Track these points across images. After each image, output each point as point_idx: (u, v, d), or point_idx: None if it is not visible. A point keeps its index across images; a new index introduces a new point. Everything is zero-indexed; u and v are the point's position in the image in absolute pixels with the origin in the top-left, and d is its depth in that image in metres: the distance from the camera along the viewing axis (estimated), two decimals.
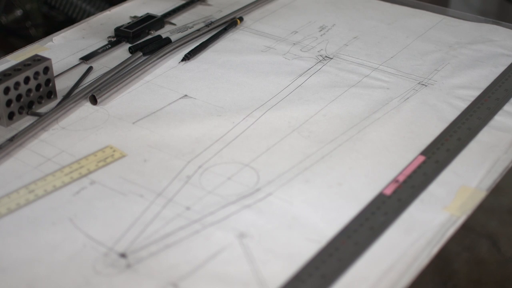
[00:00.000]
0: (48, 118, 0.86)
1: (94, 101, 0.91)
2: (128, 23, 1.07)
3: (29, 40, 1.24)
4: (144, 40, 1.05)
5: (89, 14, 1.56)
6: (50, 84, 0.90)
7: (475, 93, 0.94)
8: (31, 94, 0.88)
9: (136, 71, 0.97)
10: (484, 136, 0.85)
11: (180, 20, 1.13)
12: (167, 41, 1.05)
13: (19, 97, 0.87)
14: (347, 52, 1.04)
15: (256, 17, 1.12)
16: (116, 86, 0.93)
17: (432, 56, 1.02)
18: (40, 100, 0.90)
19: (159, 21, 1.10)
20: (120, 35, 1.05)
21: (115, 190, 0.76)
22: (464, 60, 1.02)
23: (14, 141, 0.82)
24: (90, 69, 0.98)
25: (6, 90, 0.85)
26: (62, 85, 0.94)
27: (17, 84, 0.86)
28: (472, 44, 1.06)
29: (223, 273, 0.66)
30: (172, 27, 1.11)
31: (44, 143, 0.83)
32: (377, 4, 1.18)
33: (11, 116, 0.86)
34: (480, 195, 0.76)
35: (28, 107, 0.88)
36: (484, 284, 1.50)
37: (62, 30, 1.09)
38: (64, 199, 0.75)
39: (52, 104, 0.91)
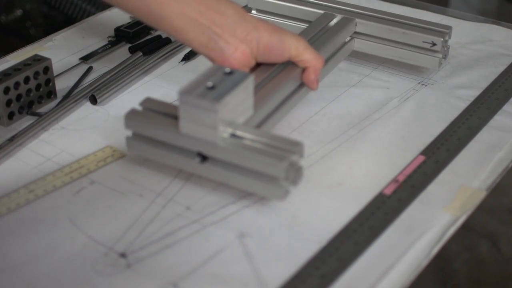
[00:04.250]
0: (48, 118, 0.86)
1: (94, 101, 0.91)
2: (128, 23, 1.07)
3: (29, 40, 1.24)
4: (144, 40, 1.05)
5: (89, 14, 1.56)
6: (50, 84, 0.90)
7: (475, 93, 0.94)
8: (31, 94, 0.88)
9: (136, 71, 0.97)
10: (484, 136, 0.85)
11: None
12: (167, 41, 1.04)
13: (19, 97, 0.87)
14: None
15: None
16: (116, 86, 0.93)
17: None
18: (40, 100, 0.90)
19: None
20: (120, 35, 1.05)
21: (115, 190, 0.76)
22: (464, 60, 1.02)
23: (14, 141, 0.82)
24: (90, 69, 0.98)
25: (6, 90, 0.85)
26: (62, 85, 0.94)
27: (17, 84, 0.86)
28: (472, 44, 1.06)
29: (223, 273, 0.66)
30: None
31: (44, 143, 0.83)
32: (377, 4, 1.18)
33: (11, 116, 0.86)
34: (480, 195, 0.76)
35: (28, 107, 0.88)
36: (484, 284, 1.50)
37: (62, 30, 1.09)
38: (64, 199, 0.75)
39: (52, 104, 0.91)
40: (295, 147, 0.69)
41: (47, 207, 0.73)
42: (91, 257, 0.67)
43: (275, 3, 1.00)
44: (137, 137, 0.75)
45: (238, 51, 0.77)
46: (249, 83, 0.72)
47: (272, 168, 0.68)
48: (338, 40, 0.92)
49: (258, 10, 1.03)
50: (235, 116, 0.71)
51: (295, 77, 0.82)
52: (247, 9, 1.03)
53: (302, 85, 0.85)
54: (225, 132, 0.70)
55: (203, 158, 0.72)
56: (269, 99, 0.78)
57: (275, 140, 0.70)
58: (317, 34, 0.91)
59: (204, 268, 0.66)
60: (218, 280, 0.65)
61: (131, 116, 0.74)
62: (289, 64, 0.83)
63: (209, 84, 0.70)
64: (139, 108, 0.75)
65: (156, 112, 0.74)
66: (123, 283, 0.65)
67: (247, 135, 0.70)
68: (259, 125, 0.77)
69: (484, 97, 0.93)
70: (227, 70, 0.72)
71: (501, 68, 0.99)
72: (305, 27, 0.96)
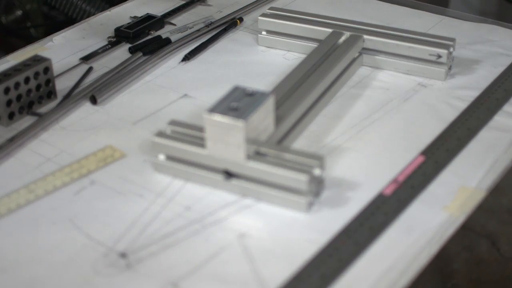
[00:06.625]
0: (48, 118, 0.86)
1: (94, 101, 0.91)
2: (128, 23, 1.08)
3: (29, 40, 1.24)
4: (144, 40, 1.05)
5: (89, 14, 1.56)
6: (50, 84, 0.90)
7: (475, 93, 0.94)
8: (31, 94, 0.88)
9: (136, 71, 0.97)
10: (484, 136, 0.85)
11: (180, 20, 1.13)
12: (167, 41, 1.05)
13: (19, 97, 0.87)
14: None
15: (256, 17, 1.12)
16: (116, 86, 0.93)
17: None
18: (40, 100, 0.90)
19: (159, 21, 1.10)
20: (120, 35, 1.05)
21: (115, 190, 0.76)
22: (464, 61, 1.02)
23: (14, 141, 0.82)
24: (90, 69, 0.98)
25: (6, 90, 0.85)
26: (62, 85, 0.94)
27: (17, 84, 0.86)
28: (472, 44, 1.06)
29: (223, 273, 0.66)
30: (172, 27, 1.11)
31: (44, 143, 0.83)
32: (376, 4, 1.18)
33: (11, 116, 0.86)
34: (480, 195, 0.76)
35: (28, 107, 0.88)
36: (484, 283, 1.50)
37: (62, 30, 1.09)
38: (64, 199, 0.75)
39: (52, 104, 0.91)
40: (316, 160, 0.72)
41: (47, 207, 0.74)
42: (91, 257, 0.67)
43: (284, 23, 1.02)
44: (165, 159, 0.77)
45: None
46: (270, 103, 0.75)
47: (296, 182, 0.71)
48: (347, 58, 0.95)
49: (268, 31, 1.04)
50: (258, 134, 0.74)
51: (314, 92, 0.85)
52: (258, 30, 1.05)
53: (320, 98, 0.88)
54: (249, 150, 0.73)
55: (229, 175, 0.74)
56: (289, 116, 0.81)
57: (296, 154, 0.73)
58: (327, 53, 0.94)
59: (204, 268, 0.66)
60: (218, 280, 0.65)
61: (159, 139, 0.76)
62: (308, 78, 0.86)
63: (233, 105, 0.73)
64: (165, 130, 0.78)
65: (181, 134, 0.77)
66: (123, 283, 0.65)
67: (270, 152, 0.73)
68: (280, 141, 0.79)
69: (484, 97, 0.93)
70: (248, 91, 0.75)
71: (501, 68, 0.99)
72: (315, 45, 0.98)
